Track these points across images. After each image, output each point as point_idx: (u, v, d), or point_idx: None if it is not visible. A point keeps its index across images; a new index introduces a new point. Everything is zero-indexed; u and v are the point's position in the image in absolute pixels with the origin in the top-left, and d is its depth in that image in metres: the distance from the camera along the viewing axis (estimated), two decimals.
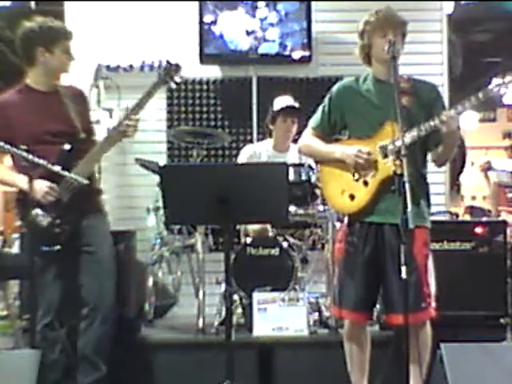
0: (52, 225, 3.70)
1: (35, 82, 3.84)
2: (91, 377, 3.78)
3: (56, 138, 3.76)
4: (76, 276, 3.80)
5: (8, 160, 3.90)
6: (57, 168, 3.57)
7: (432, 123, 3.38)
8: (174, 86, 3.99)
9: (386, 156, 3.46)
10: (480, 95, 3.30)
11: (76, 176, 3.63)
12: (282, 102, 5.18)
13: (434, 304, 3.53)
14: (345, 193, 3.56)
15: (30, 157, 3.65)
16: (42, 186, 3.66)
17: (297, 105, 5.19)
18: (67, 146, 3.74)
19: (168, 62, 3.93)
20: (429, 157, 3.65)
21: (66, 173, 3.60)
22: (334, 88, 3.71)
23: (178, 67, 3.94)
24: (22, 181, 3.63)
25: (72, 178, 3.62)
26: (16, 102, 3.81)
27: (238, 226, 5.05)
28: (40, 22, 3.78)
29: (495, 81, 3.29)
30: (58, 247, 3.71)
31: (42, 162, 3.43)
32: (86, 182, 3.67)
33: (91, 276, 3.79)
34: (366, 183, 3.51)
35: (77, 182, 3.64)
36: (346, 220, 3.64)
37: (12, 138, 3.60)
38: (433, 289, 3.61)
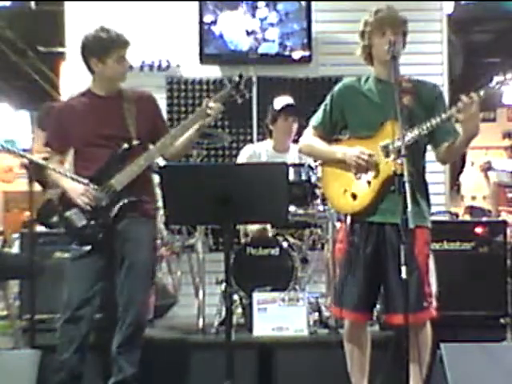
0: (87, 226, 3.76)
1: (96, 87, 3.91)
2: (115, 378, 3.80)
3: (107, 141, 3.80)
4: (108, 279, 3.83)
5: (6, 160, 3.92)
6: (74, 176, 3.72)
7: (432, 122, 3.37)
8: (239, 100, 3.94)
9: (387, 155, 3.46)
10: (481, 92, 3.28)
11: (114, 182, 3.71)
12: (282, 101, 5.18)
13: (434, 304, 3.53)
14: (347, 192, 3.56)
15: (32, 157, 3.68)
16: (77, 187, 3.74)
17: (295, 104, 5.18)
18: (119, 150, 3.79)
19: (240, 75, 3.88)
20: (432, 156, 3.64)
21: (81, 179, 3.71)
22: (336, 87, 3.71)
23: (248, 81, 3.93)
24: (65, 181, 3.76)
25: (110, 183, 3.71)
26: (74, 105, 3.92)
27: (237, 226, 5.05)
28: (95, 31, 3.83)
29: (497, 78, 3.29)
30: (88, 248, 3.77)
31: (45, 163, 3.46)
32: (118, 188, 3.73)
33: (123, 279, 3.80)
34: (368, 183, 3.51)
35: (112, 188, 3.73)
36: (347, 220, 3.63)
37: (65, 140, 3.80)
38: (434, 289, 3.61)
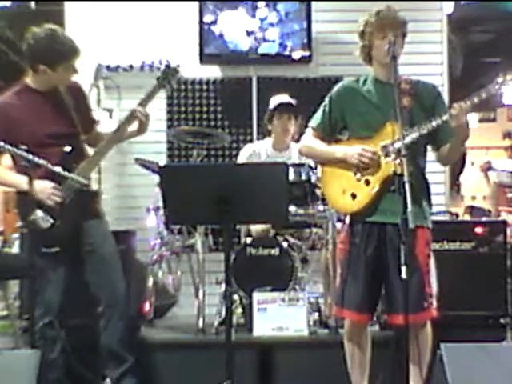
0: (53, 227, 3.71)
1: (35, 84, 3.82)
2: (121, 369, 3.81)
3: (57, 140, 3.76)
4: (80, 276, 3.81)
5: (6, 160, 3.91)
6: (58, 169, 3.57)
7: (433, 123, 3.37)
8: (170, 89, 4.00)
9: (387, 156, 3.47)
10: (482, 93, 3.28)
11: (77, 177, 3.63)
12: (278, 99, 5.19)
13: (435, 304, 3.53)
14: (346, 192, 3.56)
15: (30, 157, 3.65)
16: (46, 187, 3.67)
17: (293, 101, 5.18)
18: (68, 148, 3.75)
19: (167, 65, 3.93)
20: (432, 157, 3.65)
21: (67, 173, 3.60)
22: (335, 89, 3.72)
23: (175, 71, 3.93)
24: (22, 181, 3.61)
25: (74, 178, 3.62)
26: (17, 103, 3.80)
27: (239, 227, 5.06)
28: (48, 38, 3.69)
29: (497, 79, 3.28)
30: (57, 249, 3.71)
31: (42, 162, 3.43)
32: (86, 182, 3.68)
33: (97, 274, 3.80)
34: (367, 182, 3.51)
35: (78, 183, 3.65)
36: (347, 220, 3.63)
37: (13, 140, 3.59)
38: (434, 289, 3.61)
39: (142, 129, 3.88)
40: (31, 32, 3.73)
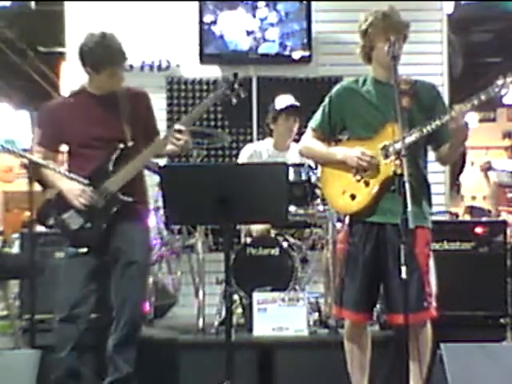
0: (82, 228, 3.75)
1: (91, 87, 3.87)
2: (111, 377, 3.80)
3: (102, 142, 3.78)
4: (102, 278, 3.82)
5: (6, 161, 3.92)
6: (74, 176, 3.69)
7: (432, 124, 3.37)
8: (234, 100, 3.86)
9: (387, 156, 3.47)
10: (482, 96, 3.28)
11: (84, 182, 3.70)
12: (284, 101, 5.18)
13: (434, 304, 3.53)
14: (346, 193, 3.56)
15: (33, 158, 3.67)
16: (74, 189, 3.72)
17: (298, 104, 5.19)
18: (112, 152, 3.77)
19: (235, 74, 3.83)
20: (432, 157, 3.65)
21: (81, 179, 3.70)
22: (334, 89, 3.71)
23: (241, 82, 3.85)
24: (62, 181, 3.73)
25: (99, 189, 3.69)
26: (68, 104, 3.89)
27: (240, 227, 5.05)
28: (95, 40, 3.73)
29: (498, 81, 3.28)
30: (85, 250, 3.76)
31: (45, 163, 3.46)
32: (113, 190, 3.71)
33: (116, 282, 3.80)
34: (367, 183, 3.51)
35: (107, 190, 3.71)
36: (347, 220, 3.64)
37: (59, 140, 3.78)
38: (434, 289, 3.61)
39: (180, 148, 3.79)
40: (86, 34, 3.79)
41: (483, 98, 3.28)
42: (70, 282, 3.81)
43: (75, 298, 3.77)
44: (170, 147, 3.82)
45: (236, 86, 3.80)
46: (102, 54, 3.71)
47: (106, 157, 3.77)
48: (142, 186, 3.95)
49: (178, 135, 3.73)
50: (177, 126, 3.76)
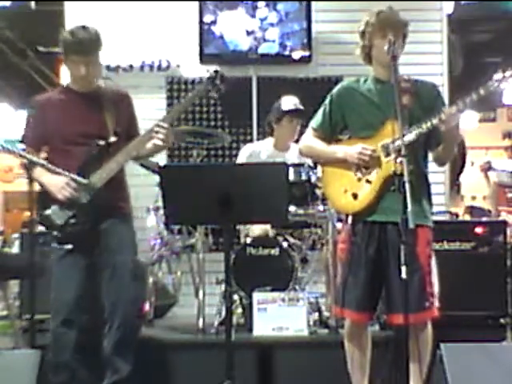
0: (66, 224, 3.73)
1: (73, 84, 3.91)
2: (110, 379, 3.79)
3: (86, 139, 3.79)
4: (92, 278, 3.81)
5: (7, 161, 3.92)
6: (59, 170, 3.65)
7: (432, 121, 3.37)
8: (215, 95, 3.97)
9: (388, 155, 3.47)
10: (481, 91, 3.29)
11: (84, 180, 3.68)
12: (290, 102, 5.13)
13: (436, 304, 3.53)
14: (347, 192, 3.56)
15: (30, 156, 3.67)
16: (58, 181, 3.71)
17: (303, 108, 5.15)
18: (94, 148, 3.78)
19: (215, 70, 3.90)
20: (430, 156, 3.65)
21: (77, 177, 3.67)
22: (335, 89, 3.72)
23: (223, 77, 3.92)
24: (46, 176, 3.72)
25: (82, 183, 3.67)
26: (55, 101, 3.90)
27: (239, 228, 5.05)
28: (68, 32, 3.82)
29: (496, 76, 3.29)
30: (70, 246, 3.74)
31: (42, 162, 3.45)
32: (98, 186, 3.71)
33: (105, 281, 3.79)
34: (368, 182, 3.52)
35: (91, 185, 3.69)
36: (349, 220, 3.63)
37: (44, 137, 3.78)
38: (436, 288, 3.61)
39: (160, 145, 3.82)
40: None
41: (482, 93, 3.28)
42: (61, 284, 3.79)
43: (69, 301, 3.76)
44: (151, 144, 3.83)
45: (217, 81, 3.89)
46: (70, 41, 3.77)
47: (90, 153, 3.77)
48: (123, 184, 3.98)
49: (161, 130, 3.74)
50: (159, 123, 3.78)
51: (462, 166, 8.08)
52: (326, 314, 4.64)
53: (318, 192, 4.51)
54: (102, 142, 3.78)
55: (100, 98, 3.87)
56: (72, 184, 3.70)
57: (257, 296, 4.47)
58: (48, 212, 3.75)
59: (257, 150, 5.24)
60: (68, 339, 3.77)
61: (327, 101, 3.70)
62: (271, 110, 5.22)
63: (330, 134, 3.69)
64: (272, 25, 6.03)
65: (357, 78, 3.69)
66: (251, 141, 5.97)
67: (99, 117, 3.83)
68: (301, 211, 4.57)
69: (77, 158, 3.74)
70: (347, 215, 3.67)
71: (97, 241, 3.78)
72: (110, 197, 3.78)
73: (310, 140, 3.73)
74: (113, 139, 3.81)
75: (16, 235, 6.07)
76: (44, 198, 3.77)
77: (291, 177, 4.44)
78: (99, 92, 3.91)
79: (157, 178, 4.61)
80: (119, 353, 3.78)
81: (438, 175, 5.65)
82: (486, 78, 3.33)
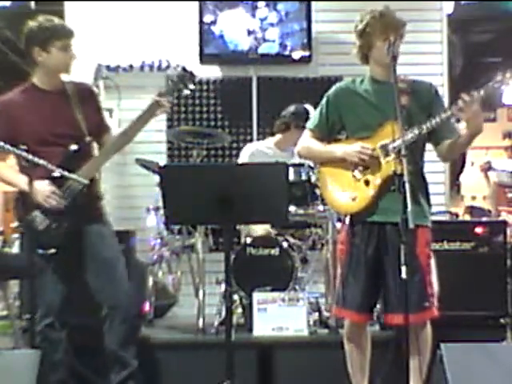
0: (49, 228, 3.68)
1: (40, 82, 3.81)
2: (123, 373, 3.80)
3: (60, 139, 3.73)
4: (82, 279, 3.80)
5: (10, 160, 3.90)
6: (58, 169, 3.57)
7: (432, 122, 3.37)
8: (186, 92, 3.91)
9: (387, 155, 3.47)
10: (488, 87, 3.27)
11: (77, 177, 3.59)
12: (309, 112, 5.02)
13: (436, 304, 3.53)
14: (346, 193, 3.56)
15: (30, 157, 3.65)
16: (44, 189, 3.64)
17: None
18: (72, 148, 3.72)
19: (184, 68, 3.87)
20: (431, 156, 3.64)
21: (67, 174, 3.55)
22: (331, 90, 3.70)
23: (192, 75, 3.88)
24: (22, 181, 3.60)
25: (74, 179, 3.57)
26: (21, 101, 3.79)
27: (240, 228, 5.05)
28: (39, 21, 3.75)
29: (497, 77, 3.28)
30: (53, 251, 3.68)
31: (42, 162, 3.43)
32: (87, 182, 3.63)
33: (99, 279, 3.78)
34: (367, 182, 3.51)
35: (79, 184, 3.61)
36: (347, 220, 3.63)
37: (15, 138, 3.59)
38: (435, 288, 3.61)
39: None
40: (25, 27, 3.78)
41: (482, 94, 3.27)
42: (48, 288, 3.76)
43: (55, 305, 3.76)
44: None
45: (186, 78, 3.85)
46: (50, 27, 3.72)
47: (65, 154, 3.70)
48: (98, 185, 3.93)
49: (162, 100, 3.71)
50: (156, 98, 3.73)
51: (462, 166, 8.09)
52: (325, 314, 4.64)
53: (318, 192, 4.51)
54: (79, 142, 3.72)
55: (67, 94, 3.79)
56: (57, 192, 3.64)
57: (257, 296, 4.47)
58: (30, 217, 3.68)
59: (259, 149, 5.24)
60: (57, 341, 3.79)
61: (324, 101, 3.69)
62: (295, 112, 5.13)
63: (326, 134, 3.68)
64: (272, 25, 6.03)
65: (353, 79, 3.68)
66: (251, 141, 5.97)
67: (70, 115, 3.76)
68: (301, 211, 4.57)
69: (52, 159, 3.54)
70: (345, 216, 3.67)
71: (82, 242, 3.76)
72: (90, 197, 3.75)
73: (308, 141, 3.72)
74: (88, 139, 3.77)
75: (16, 235, 6.06)
76: (24, 201, 3.67)
77: (291, 177, 4.45)
78: (65, 88, 3.81)
79: (157, 178, 4.62)
80: (126, 348, 3.79)
81: (437, 175, 5.65)
82: (487, 79, 3.33)
